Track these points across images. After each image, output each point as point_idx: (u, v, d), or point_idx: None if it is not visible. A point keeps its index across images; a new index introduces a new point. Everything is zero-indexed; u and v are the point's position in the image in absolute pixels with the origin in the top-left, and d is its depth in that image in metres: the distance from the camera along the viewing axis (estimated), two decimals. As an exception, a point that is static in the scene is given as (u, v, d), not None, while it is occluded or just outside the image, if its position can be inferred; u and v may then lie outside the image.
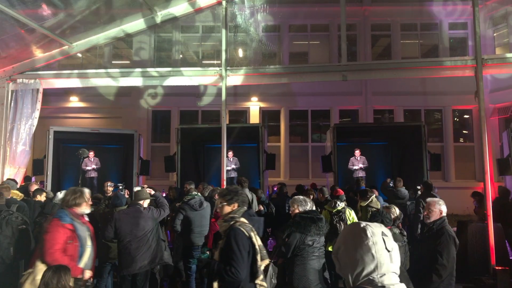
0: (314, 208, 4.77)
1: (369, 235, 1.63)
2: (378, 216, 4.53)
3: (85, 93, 15.29)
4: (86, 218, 4.34)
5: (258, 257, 3.39)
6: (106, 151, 12.71)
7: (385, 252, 1.63)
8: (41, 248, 3.78)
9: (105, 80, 8.94)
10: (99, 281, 5.66)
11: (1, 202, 5.10)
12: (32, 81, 8.85)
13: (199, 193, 6.82)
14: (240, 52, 16.38)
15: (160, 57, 16.43)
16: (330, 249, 5.33)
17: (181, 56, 16.47)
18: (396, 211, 5.08)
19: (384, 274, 1.60)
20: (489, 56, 8.10)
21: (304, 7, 15.33)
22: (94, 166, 11.72)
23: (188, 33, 16.58)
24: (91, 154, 11.56)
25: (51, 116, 14.38)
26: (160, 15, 8.78)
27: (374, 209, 6.79)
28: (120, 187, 7.03)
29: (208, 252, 4.87)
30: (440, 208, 4.24)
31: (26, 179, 9.50)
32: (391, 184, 9.68)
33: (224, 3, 8.51)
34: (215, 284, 3.36)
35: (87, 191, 4.26)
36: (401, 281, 1.65)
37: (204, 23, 15.32)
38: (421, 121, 13.26)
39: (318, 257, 4.43)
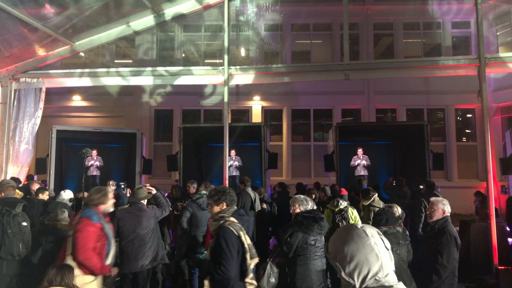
0: (315, 207, 4.76)
1: (369, 235, 1.63)
2: (383, 215, 4.50)
3: (88, 92, 15.32)
4: None
5: (248, 256, 3.46)
6: (108, 150, 12.74)
7: (385, 251, 1.63)
8: (73, 247, 3.85)
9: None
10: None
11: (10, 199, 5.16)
12: (35, 80, 8.87)
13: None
14: (243, 51, 16.39)
15: (162, 56, 16.45)
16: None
17: (183, 55, 16.47)
18: (398, 210, 5.07)
19: (388, 274, 1.60)
20: (492, 55, 8.08)
21: (307, 6, 15.30)
22: (97, 163, 11.76)
23: (191, 32, 16.59)
24: (94, 152, 11.59)
25: (54, 115, 14.42)
26: (163, 13, 8.79)
27: (377, 208, 6.78)
28: (122, 186, 7.05)
29: (205, 252, 4.88)
30: (443, 207, 4.22)
31: (29, 178, 9.53)
32: (393, 183, 9.67)
33: (226, 2, 8.50)
34: (206, 282, 3.45)
35: (110, 189, 4.37)
36: (404, 280, 1.66)
37: (206, 22, 15.33)
38: (423, 120, 13.23)
39: (320, 256, 4.42)
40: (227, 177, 8.62)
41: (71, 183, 11.35)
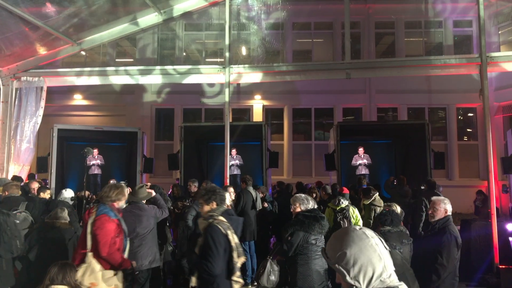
0: (316, 206, 4.74)
1: (369, 236, 1.63)
2: (388, 215, 4.49)
3: (89, 91, 15.33)
4: None
5: (235, 255, 3.53)
6: (109, 149, 12.75)
7: (386, 251, 1.62)
8: (95, 244, 3.93)
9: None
10: None
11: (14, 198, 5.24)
12: (36, 79, 8.88)
13: None
14: (244, 50, 16.38)
15: (164, 55, 16.44)
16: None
17: (184, 54, 16.47)
18: (397, 209, 5.06)
19: (391, 274, 1.59)
20: (493, 54, 8.06)
21: (308, 5, 15.28)
22: (98, 162, 11.77)
23: (192, 31, 16.58)
24: (95, 151, 11.60)
25: (55, 114, 14.42)
26: (165, 12, 8.79)
27: (378, 207, 6.78)
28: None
29: None
30: (445, 207, 4.21)
31: (30, 176, 9.55)
32: (394, 182, 9.66)
33: (228, 0, 8.50)
34: (193, 278, 3.54)
35: (124, 185, 4.49)
36: (407, 280, 1.65)
37: (208, 21, 15.31)
38: (425, 119, 13.21)
39: (321, 256, 4.41)
40: (228, 176, 8.63)
41: (72, 182, 11.36)
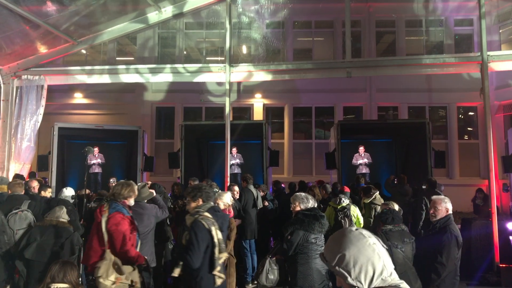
0: (316, 205, 4.73)
1: (367, 236, 1.63)
2: (389, 214, 4.48)
3: (90, 89, 15.34)
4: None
5: (216, 250, 3.67)
6: (110, 147, 12.75)
7: (384, 250, 1.63)
8: (113, 241, 4.02)
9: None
10: None
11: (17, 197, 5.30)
12: (37, 77, 8.88)
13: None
14: (244, 49, 16.37)
15: (164, 54, 16.43)
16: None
17: (184, 52, 16.46)
18: (395, 207, 5.05)
19: (392, 273, 1.59)
20: (494, 53, 8.05)
21: (309, 4, 15.26)
22: (99, 161, 11.78)
23: (192, 29, 16.57)
24: (96, 150, 11.61)
25: (55, 113, 14.43)
26: (165, 11, 8.78)
27: (378, 206, 6.78)
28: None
29: None
30: (446, 206, 4.21)
31: (31, 175, 9.56)
32: (395, 181, 9.66)
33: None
34: (176, 270, 3.78)
35: (133, 183, 4.57)
36: (409, 278, 1.66)
37: (208, 19, 15.30)
38: (425, 118, 13.21)
39: (321, 255, 4.40)
40: (228, 174, 8.64)
41: (73, 180, 11.38)
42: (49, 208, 5.72)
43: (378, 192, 7.41)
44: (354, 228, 1.68)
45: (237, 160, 11.48)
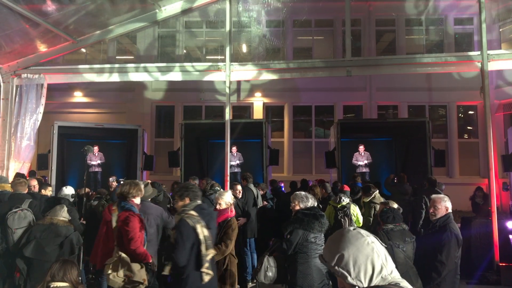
0: (315, 204, 4.72)
1: (365, 235, 1.64)
2: (389, 213, 4.48)
3: (89, 88, 15.33)
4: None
5: (203, 247, 3.71)
6: (110, 146, 12.76)
7: (383, 249, 1.63)
8: (124, 238, 4.08)
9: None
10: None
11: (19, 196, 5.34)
12: (37, 76, 8.87)
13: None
14: (244, 47, 16.35)
15: (164, 53, 16.42)
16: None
17: (184, 51, 16.44)
18: (394, 206, 5.05)
19: (392, 271, 1.60)
20: (494, 52, 8.04)
21: (308, 2, 15.23)
22: (98, 161, 11.78)
23: (192, 28, 16.55)
24: (96, 149, 11.61)
25: (55, 111, 14.43)
26: (164, 9, 8.77)
27: (378, 205, 6.77)
28: (122, 182, 7.03)
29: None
30: (445, 205, 4.22)
31: (31, 173, 9.56)
32: (395, 180, 9.66)
33: (228, -2, 8.49)
34: (167, 267, 3.89)
35: (140, 182, 4.65)
36: (410, 277, 1.66)
37: (208, 18, 15.28)
38: (425, 117, 13.19)
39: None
40: (228, 173, 8.64)
41: (72, 179, 11.39)
42: (49, 207, 5.73)
43: (377, 191, 7.41)
44: (352, 228, 1.69)
45: (237, 161, 11.49)
